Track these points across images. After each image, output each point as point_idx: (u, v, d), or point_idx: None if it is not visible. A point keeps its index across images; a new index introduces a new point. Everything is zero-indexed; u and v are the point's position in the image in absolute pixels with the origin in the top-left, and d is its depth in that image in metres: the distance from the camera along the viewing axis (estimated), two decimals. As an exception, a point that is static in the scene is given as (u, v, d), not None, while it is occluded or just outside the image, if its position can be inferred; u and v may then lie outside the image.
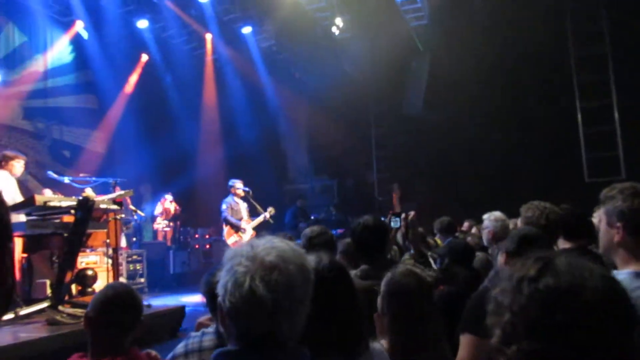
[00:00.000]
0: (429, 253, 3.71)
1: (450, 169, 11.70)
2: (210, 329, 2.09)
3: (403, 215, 3.23)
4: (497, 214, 4.02)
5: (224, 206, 7.89)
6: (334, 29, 11.59)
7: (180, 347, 2.01)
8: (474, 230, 6.59)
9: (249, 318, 1.15)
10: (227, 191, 8.13)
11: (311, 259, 1.66)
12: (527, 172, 10.54)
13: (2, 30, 9.57)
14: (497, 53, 11.03)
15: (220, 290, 1.19)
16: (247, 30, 11.91)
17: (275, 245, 1.21)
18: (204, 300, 2.24)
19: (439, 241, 5.51)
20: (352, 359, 1.54)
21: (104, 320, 1.93)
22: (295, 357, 1.23)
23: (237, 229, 7.85)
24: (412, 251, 3.35)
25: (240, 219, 7.93)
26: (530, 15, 10.44)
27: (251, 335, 1.17)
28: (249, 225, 7.96)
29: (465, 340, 2.17)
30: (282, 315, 1.15)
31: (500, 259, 2.47)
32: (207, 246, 11.26)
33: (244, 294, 1.13)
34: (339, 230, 9.88)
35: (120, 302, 1.97)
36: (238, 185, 8.10)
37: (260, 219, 8.10)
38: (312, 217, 11.35)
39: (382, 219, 3.44)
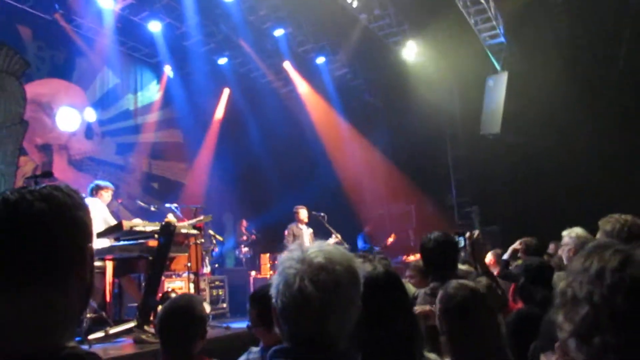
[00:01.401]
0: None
1: (533, 190, 11.18)
2: (256, 348, 2.15)
3: (467, 234, 3.14)
4: (578, 230, 3.80)
5: (285, 232, 8.12)
6: (406, 53, 11.64)
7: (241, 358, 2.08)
8: (560, 252, 6.25)
9: (298, 317, 1.21)
10: (293, 218, 8.31)
11: (367, 267, 1.70)
12: (612, 189, 9.83)
13: (98, 74, 10.49)
14: (578, 68, 10.53)
15: (273, 291, 1.27)
16: (320, 60, 12.24)
17: (324, 248, 1.28)
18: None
19: (521, 264, 5.29)
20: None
21: (165, 325, 2.03)
22: (345, 358, 1.26)
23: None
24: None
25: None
26: (617, 25, 9.93)
27: (302, 333, 1.23)
28: None
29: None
30: (331, 314, 1.21)
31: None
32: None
33: (294, 294, 1.20)
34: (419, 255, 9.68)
35: (179, 312, 2.08)
36: (302, 211, 8.23)
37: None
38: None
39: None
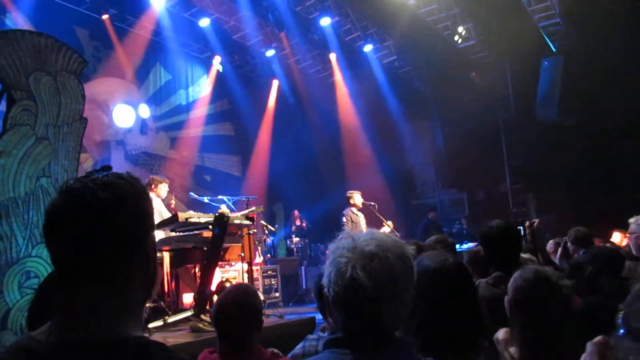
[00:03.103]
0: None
1: (591, 177, 10.66)
2: (326, 333, 2.12)
3: (527, 223, 2.99)
4: (646, 217, 3.59)
5: (344, 219, 7.86)
6: (457, 38, 11.32)
7: (298, 348, 2.07)
8: (624, 242, 5.93)
9: (352, 306, 1.18)
10: (347, 203, 8.08)
11: (435, 258, 1.65)
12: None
13: (150, 70, 10.76)
14: (637, 48, 9.93)
15: (325, 280, 1.24)
16: (368, 48, 12.09)
17: (375, 236, 1.25)
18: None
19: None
20: (462, 358, 1.48)
21: (221, 316, 2.04)
22: (401, 347, 1.22)
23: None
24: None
25: (360, 232, 7.79)
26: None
27: (355, 323, 1.20)
28: None
29: None
30: (384, 302, 1.17)
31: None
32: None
33: (346, 282, 1.17)
34: (472, 245, 9.45)
35: (235, 304, 2.08)
36: (356, 196, 8.04)
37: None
38: (444, 231, 11.03)
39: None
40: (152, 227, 1.04)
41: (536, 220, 3.02)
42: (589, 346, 0.94)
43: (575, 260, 3.87)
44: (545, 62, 11.21)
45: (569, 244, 4.93)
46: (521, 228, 3.13)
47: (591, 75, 10.33)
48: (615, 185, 10.08)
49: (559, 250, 4.76)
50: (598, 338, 0.95)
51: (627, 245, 5.62)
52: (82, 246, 0.93)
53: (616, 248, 4.44)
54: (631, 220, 3.70)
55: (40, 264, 4.05)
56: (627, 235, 3.96)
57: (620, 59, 10.05)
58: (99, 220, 0.93)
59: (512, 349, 1.89)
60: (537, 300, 1.85)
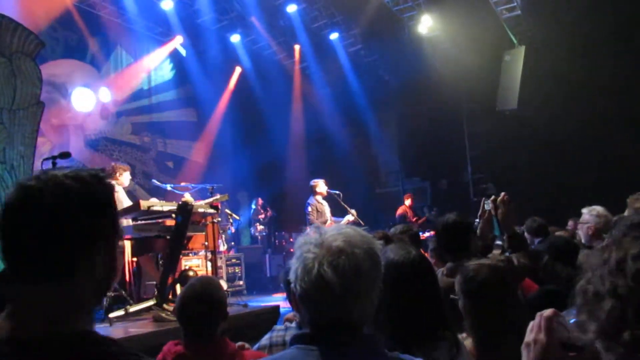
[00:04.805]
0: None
1: (551, 168, 10.99)
2: (293, 324, 2.13)
3: (492, 198, 3.11)
4: (598, 208, 3.72)
5: (309, 208, 7.76)
6: (422, 28, 11.41)
7: (264, 340, 2.07)
8: (579, 229, 6.15)
9: (319, 302, 1.18)
10: (311, 192, 8.00)
11: (398, 251, 1.68)
12: (632, 168, 9.61)
13: (111, 53, 10.45)
14: (597, 41, 10.24)
15: (291, 276, 1.23)
16: (334, 36, 12.06)
17: (343, 231, 1.24)
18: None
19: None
20: (428, 350, 1.51)
21: (185, 312, 2.02)
22: (368, 342, 1.23)
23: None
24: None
25: (325, 222, 7.69)
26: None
27: (323, 319, 1.20)
28: None
29: None
30: (352, 299, 1.17)
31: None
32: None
33: (313, 279, 1.16)
34: (432, 232, 9.62)
35: (198, 295, 2.07)
36: (321, 184, 7.97)
37: (344, 220, 7.82)
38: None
39: (476, 221, 3.33)
40: (109, 224, 1.03)
41: (503, 193, 3.10)
42: (537, 317, 0.97)
43: (532, 249, 3.98)
44: (507, 55, 11.44)
45: (525, 234, 5.08)
46: (487, 203, 3.18)
47: (550, 67, 10.59)
48: (571, 174, 10.41)
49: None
50: (548, 310, 0.98)
51: (573, 232, 5.82)
52: (34, 244, 0.94)
53: (571, 237, 4.60)
54: (584, 210, 3.83)
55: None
56: (579, 223, 4.10)
57: (578, 51, 10.33)
58: (51, 219, 0.94)
59: (467, 342, 1.93)
60: (483, 288, 1.91)
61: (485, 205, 3.13)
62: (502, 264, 2.27)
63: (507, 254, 2.96)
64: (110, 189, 1.05)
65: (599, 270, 0.81)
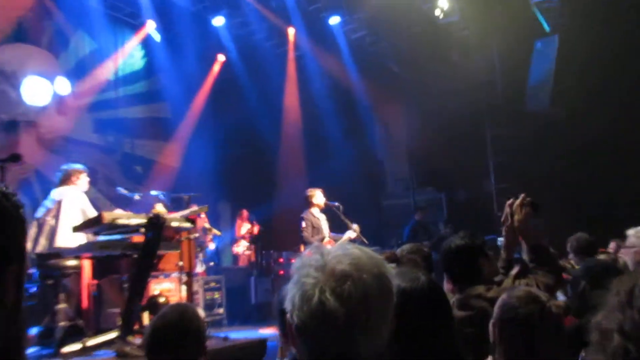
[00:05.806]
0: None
1: (588, 177, 11.02)
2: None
3: (509, 201, 3.09)
4: (647, 229, 3.73)
5: (303, 224, 7.76)
6: (438, 13, 11.47)
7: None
8: (622, 252, 6.18)
9: (320, 335, 1.17)
10: (306, 204, 8.00)
11: (405, 277, 1.69)
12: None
13: (72, 37, 10.45)
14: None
15: (287, 305, 1.22)
16: (334, 20, 12.11)
17: (348, 252, 1.22)
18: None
19: (574, 264, 5.22)
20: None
21: (155, 346, 2.00)
22: None
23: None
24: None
25: (322, 239, 7.74)
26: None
27: (324, 356, 1.19)
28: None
29: None
30: (358, 331, 1.16)
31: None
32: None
33: (313, 309, 1.15)
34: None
35: (171, 326, 2.04)
36: (318, 194, 8.00)
37: (345, 237, 7.86)
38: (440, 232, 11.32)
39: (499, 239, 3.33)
40: (22, 245, 1.03)
41: (522, 195, 3.08)
42: (507, 207, 1.05)
43: (571, 273, 3.99)
44: (538, 43, 11.48)
45: (570, 255, 5.08)
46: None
47: (587, 60, 10.64)
48: (614, 186, 10.44)
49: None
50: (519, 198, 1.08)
51: (615, 255, 5.83)
52: None
53: (612, 261, 4.60)
54: (630, 232, 3.83)
55: None
56: (624, 247, 4.11)
57: (618, 42, 10.38)
58: None
59: None
60: (525, 319, 1.97)
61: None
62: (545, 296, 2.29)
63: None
64: (20, 206, 1.04)
65: (610, 304, 0.90)
